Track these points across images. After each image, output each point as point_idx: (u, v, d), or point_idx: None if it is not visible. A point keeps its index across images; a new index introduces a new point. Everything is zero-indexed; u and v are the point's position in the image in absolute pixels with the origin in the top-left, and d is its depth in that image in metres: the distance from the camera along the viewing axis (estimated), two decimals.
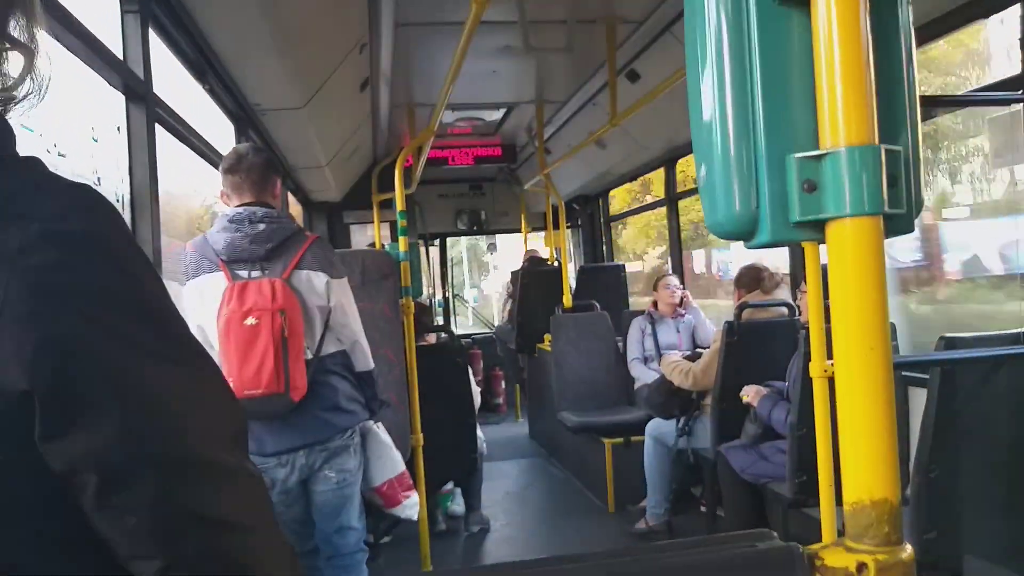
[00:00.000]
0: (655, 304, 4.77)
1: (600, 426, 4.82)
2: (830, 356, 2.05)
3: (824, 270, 2.13)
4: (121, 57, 2.38)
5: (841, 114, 0.60)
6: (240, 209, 2.33)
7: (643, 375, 4.59)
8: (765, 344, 3.54)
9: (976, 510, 2.06)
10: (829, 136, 0.61)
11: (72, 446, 0.62)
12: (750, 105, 0.63)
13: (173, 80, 2.91)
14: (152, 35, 2.58)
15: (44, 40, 0.72)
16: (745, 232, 0.64)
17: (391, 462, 2.66)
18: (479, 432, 4.23)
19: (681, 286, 4.86)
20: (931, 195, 3.88)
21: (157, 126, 2.55)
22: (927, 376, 2.06)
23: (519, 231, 8.08)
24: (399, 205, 3.58)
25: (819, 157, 0.61)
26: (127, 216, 2.41)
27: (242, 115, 3.78)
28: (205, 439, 0.69)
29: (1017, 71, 2.66)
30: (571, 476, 5.38)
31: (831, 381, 2.13)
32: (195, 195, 4.08)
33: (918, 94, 0.67)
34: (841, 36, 0.60)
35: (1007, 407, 2.06)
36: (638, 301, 7.29)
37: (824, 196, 0.61)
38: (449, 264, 8.62)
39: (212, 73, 3.19)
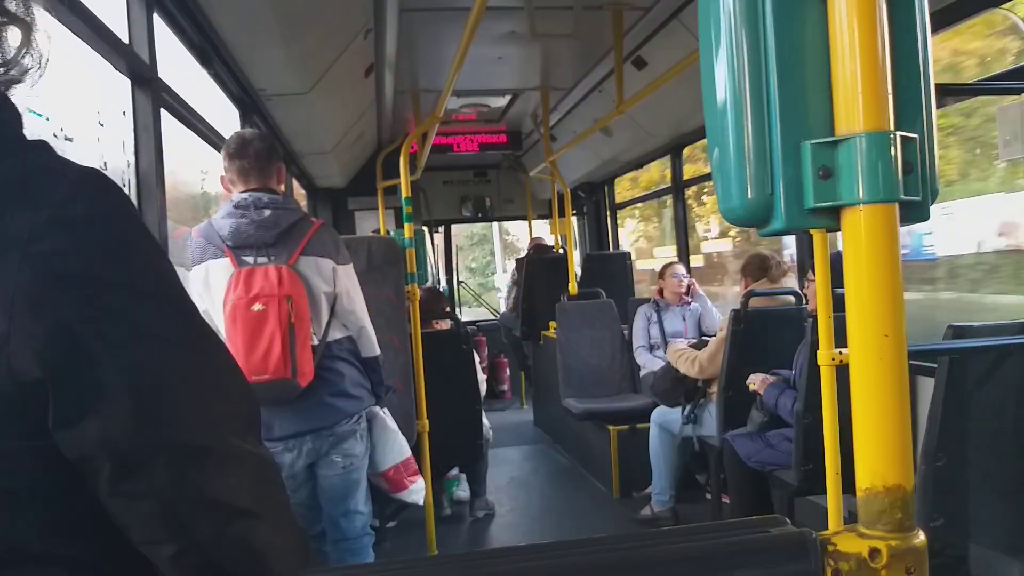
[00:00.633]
0: (660, 292, 4.77)
1: (605, 413, 4.83)
2: (837, 344, 2.04)
3: (832, 258, 2.11)
4: (127, 42, 2.37)
5: (857, 100, 0.60)
6: (246, 195, 2.32)
7: (649, 363, 4.59)
8: (772, 332, 3.53)
9: (983, 498, 2.06)
10: (844, 122, 0.61)
11: (85, 433, 0.63)
12: (765, 91, 0.63)
13: (179, 65, 2.90)
14: (157, 20, 2.57)
15: (42, 16, 0.71)
16: (759, 219, 0.64)
17: (397, 447, 2.67)
18: (484, 419, 4.24)
19: (688, 275, 4.85)
20: None
21: (163, 111, 2.55)
22: (935, 365, 2.05)
23: (524, 218, 8.06)
24: (404, 191, 3.57)
25: (834, 143, 0.61)
26: (133, 202, 2.41)
27: (247, 100, 3.77)
28: (218, 424, 0.69)
29: None
30: (576, 463, 5.39)
31: (838, 369, 2.13)
32: (202, 181, 4.08)
33: (932, 80, 0.66)
34: (857, 22, 0.59)
35: (1015, 396, 2.06)
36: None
37: (839, 183, 0.61)
38: (454, 251, 8.61)
39: (217, 58, 3.19)
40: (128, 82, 2.41)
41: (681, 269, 4.81)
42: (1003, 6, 2.88)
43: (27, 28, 0.69)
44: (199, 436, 0.67)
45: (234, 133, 2.47)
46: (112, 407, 0.63)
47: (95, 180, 0.67)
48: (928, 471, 2.00)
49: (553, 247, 7.21)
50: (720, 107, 0.65)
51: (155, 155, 2.43)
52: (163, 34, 2.65)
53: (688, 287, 4.74)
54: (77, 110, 2.16)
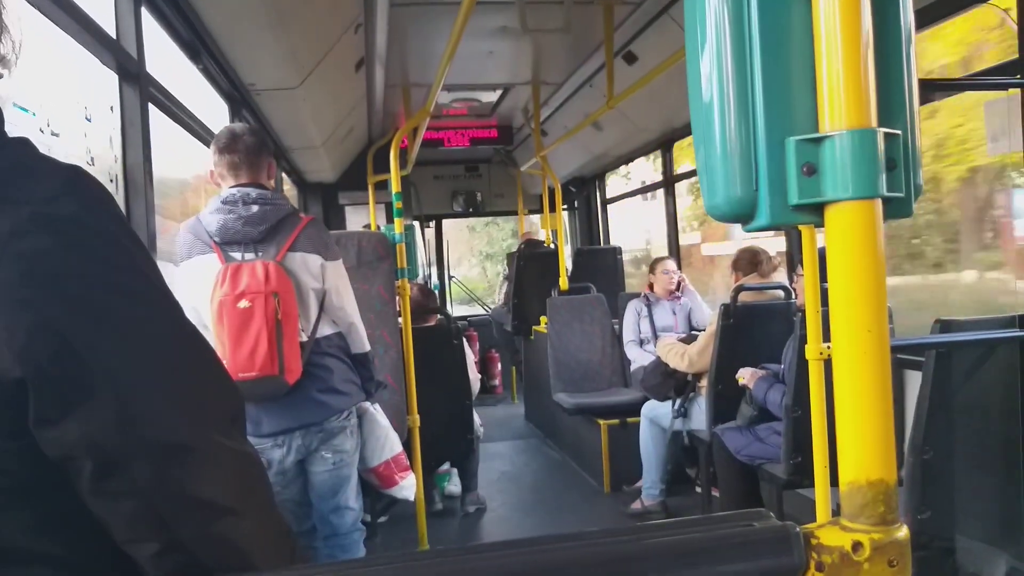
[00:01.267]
0: (651, 286, 4.78)
1: (596, 408, 4.84)
2: (826, 339, 2.06)
3: (821, 253, 2.13)
4: (114, 36, 2.36)
5: (841, 97, 0.60)
6: (234, 190, 2.31)
7: (639, 357, 4.60)
8: (761, 326, 3.55)
9: (969, 490, 2.08)
10: (828, 119, 0.61)
11: (66, 432, 0.62)
12: (750, 87, 0.63)
13: (167, 60, 2.88)
14: (145, 14, 2.56)
15: (13, 2, 0.71)
16: (744, 215, 0.64)
17: (388, 443, 2.67)
18: (475, 414, 4.24)
19: (678, 270, 4.86)
20: None
21: (151, 106, 2.53)
22: (923, 359, 2.07)
23: (515, 213, 8.05)
24: (394, 186, 3.56)
25: (818, 140, 0.61)
26: (120, 197, 2.40)
27: (236, 95, 3.75)
28: (201, 422, 0.68)
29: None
30: (567, 457, 5.41)
31: (827, 363, 2.14)
32: (191, 176, 4.06)
33: (916, 77, 0.67)
34: (841, 18, 0.60)
35: (1001, 390, 2.08)
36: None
37: (823, 179, 0.61)
38: (445, 245, 8.61)
39: (206, 53, 3.17)
40: (116, 77, 2.39)
41: (672, 265, 4.83)
42: (991, 1, 2.89)
43: None
44: (181, 434, 0.66)
45: (224, 127, 2.45)
46: (94, 406, 0.62)
47: (77, 177, 0.67)
48: (915, 464, 2.02)
49: (544, 242, 7.22)
50: (706, 103, 0.65)
51: (143, 150, 2.42)
52: (151, 28, 2.64)
53: (679, 283, 4.76)
54: (64, 105, 2.15)
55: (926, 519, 2.01)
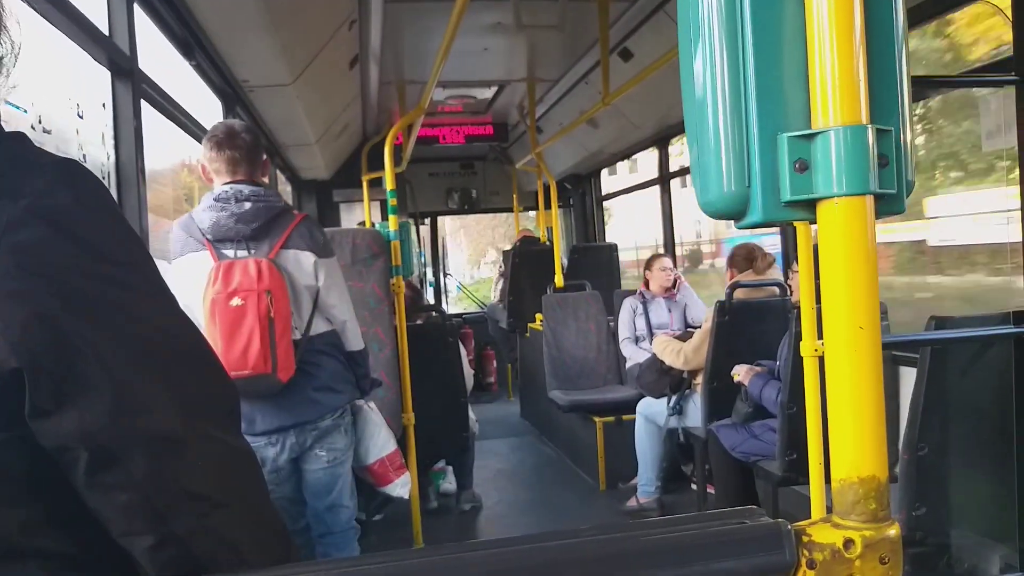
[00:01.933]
0: (647, 284, 4.78)
1: (591, 405, 4.84)
2: (820, 336, 2.06)
3: (815, 250, 2.13)
4: (107, 32, 2.35)
5: (833, 93, 0.60)
6: (227, 187, 2.29)
7: (634, 355, 4.60)
8: (756, 323, 3.55)
9: (963, 487, 2.08)
10: (821, 116, 0.61)
11: (62, 423, 0.62)
12: (742, 84, 0.63)
13: (160, 56, 2.87)
14: (138, 10, 2.54)
15: (11, 3, 0.70)
16: (737, 211, 0.64)
17: (383, 441, 2.66)
18: (470, 411, 4.24)
19: (675, 267, 4.87)
20: None
21: (144, 103, 2.52)
22: (917, 356, 2.07)
23: (511, 210, 8.05)
24: (389, 183, 3.56)
25: (810, 136, 0.61)
26: (112, 194, 2.39)
27: (230, 92, 3.74)
28: (197, 415, 0.68)
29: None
30: (562, 455, 5.41)
31: (821, 360, 2.14)
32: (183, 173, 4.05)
33: (909, 74, 0.67)
34: (834, 15, 0.60)
35: (995, 387, 2.08)
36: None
37: (815, 175, 0.61)
38: (441, 243, 8.60)
39: (199, 49, 3.16)
40: (108, 73, 2.38)
41: (669, 262, 4.83)
42: None
43: None
44: (177, 427, 0.66)
45: (219, 123, 2.42)
46: (89, 397, 0.63)
47: (73, 170, 0.67)
48: (910, 460, 2.02)
49: (540, 239, 7.21)
50: (699, 100, 0.65)
51: (135, 147, 2.41)
52: (144, 25, 2.62)
53: (675, 280, 4.76)
54: (56, 102, 2.14)
55: (921, 515, 2.02)
